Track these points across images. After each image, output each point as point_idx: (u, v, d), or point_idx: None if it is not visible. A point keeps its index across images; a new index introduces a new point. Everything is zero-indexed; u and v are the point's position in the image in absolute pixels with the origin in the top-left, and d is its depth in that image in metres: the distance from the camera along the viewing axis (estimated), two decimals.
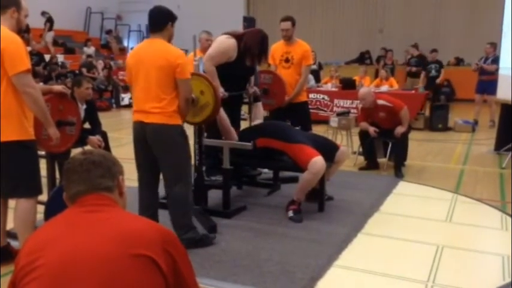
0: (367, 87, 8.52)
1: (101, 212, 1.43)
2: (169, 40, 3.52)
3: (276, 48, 5.55)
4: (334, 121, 7.08)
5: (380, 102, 5.97)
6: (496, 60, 8.98)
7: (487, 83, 9.37)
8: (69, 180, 1.49)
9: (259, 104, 5.09)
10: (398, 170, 5.91)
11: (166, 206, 3.72)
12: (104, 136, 5.04)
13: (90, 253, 1.31)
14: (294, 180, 4.96)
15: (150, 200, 3.70)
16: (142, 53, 3.50)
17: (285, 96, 5.29)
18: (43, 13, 14.51)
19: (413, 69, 11.97)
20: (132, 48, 18.92)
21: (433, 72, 11.25)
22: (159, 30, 3.47)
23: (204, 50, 6.45)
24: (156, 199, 3.76)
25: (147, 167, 3.63)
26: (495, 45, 9.37)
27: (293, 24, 5.36)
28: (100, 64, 13.93)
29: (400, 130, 5.87)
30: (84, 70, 12.90)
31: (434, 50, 11.57)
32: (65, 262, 1.31)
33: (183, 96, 3.45)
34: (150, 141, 3.48)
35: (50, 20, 14.77)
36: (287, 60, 5.44)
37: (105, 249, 1.32)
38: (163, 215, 3.75)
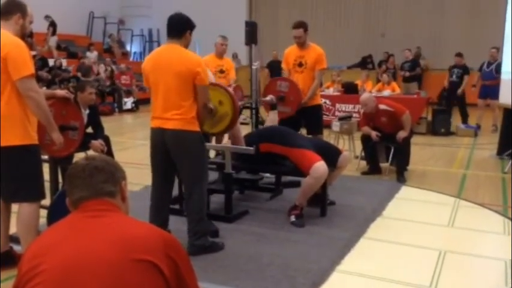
0: (368, 92, 8.53)
1: (103, 217, 1.44)
2: (185, 47, 3.52)
3: (290, 53, 5.51)
4: (336, 125, 7.09)
5: (382, 107, 5.97)
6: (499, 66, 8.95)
7: (490, 87, 9.36)
8: (71, 186, 1.50)
9: (275, 112, 5.06)
10: (401, 174, 5.90)
11: (177, 212, 3.70)
12: (107, 140, 5.04)
13: (92, 258, 1.32)
14: (296, 184, 4.96)
15: (162, 206, 3.69)
16: (161, 58, 3.48)
17: (299, 105, 5.25)
18: (46, 17, 14.54)
19: (407, 73, 11.98)
20: (134, 52, 18.98)
21: (454, 78, 10.27)
22: (177, 37, 3.47)
23: (219, 54, 6.47)
24: (167, 205, 3.76)
25: (162, 173, 3.63)
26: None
27: (305, 30, 5.32)
28: (102, 68, 13.94)
29: (401, 135, 5.86)
30: (79, 74, 12.85)
31: (458, 54, 10.46)
32: (67, 267, 1.31)
33: (201, 102, 3.46)
34: (170, 146, 3.47)
35: (53, 24, 14.79)
36: (300, 65, 5.38)
37: (108, 254, 1.33)
38: (174, 220, 3.78)
